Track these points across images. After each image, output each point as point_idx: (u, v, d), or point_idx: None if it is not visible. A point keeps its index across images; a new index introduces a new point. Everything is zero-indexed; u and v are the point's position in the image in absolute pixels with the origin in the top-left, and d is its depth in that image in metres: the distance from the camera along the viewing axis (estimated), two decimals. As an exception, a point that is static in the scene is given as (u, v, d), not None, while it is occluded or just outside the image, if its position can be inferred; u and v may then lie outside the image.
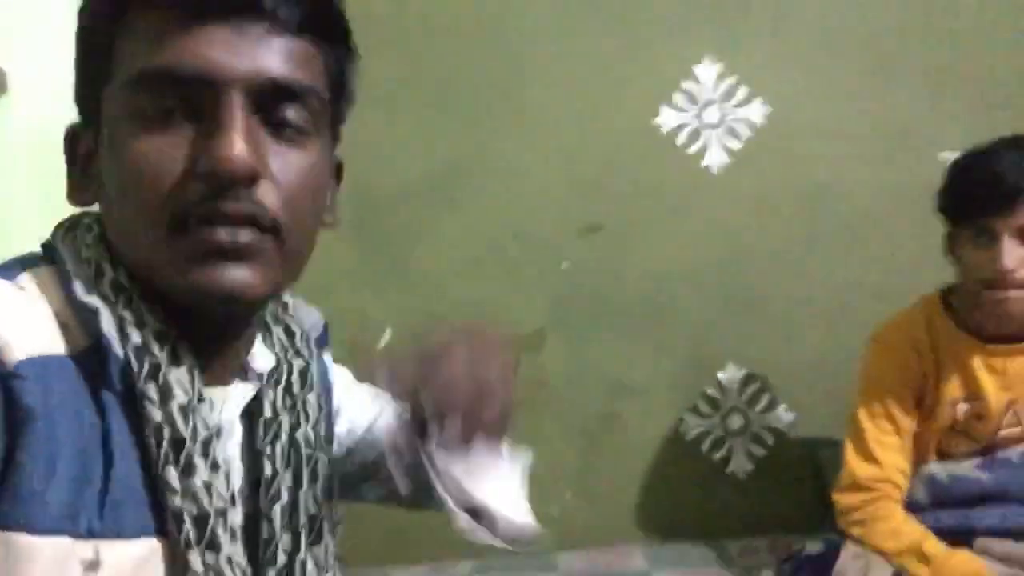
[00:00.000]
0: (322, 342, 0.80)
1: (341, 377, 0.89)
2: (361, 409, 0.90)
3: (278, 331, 0.74)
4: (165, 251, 0.58)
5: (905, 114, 2.02)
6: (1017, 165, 1.34)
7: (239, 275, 0.59)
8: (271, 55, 0.59)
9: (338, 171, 0.74)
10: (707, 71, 2.03)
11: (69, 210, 0.68)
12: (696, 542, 1.96)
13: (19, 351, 0.55)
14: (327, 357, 0.85)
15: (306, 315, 0.79)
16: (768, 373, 2.07)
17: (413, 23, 2.02)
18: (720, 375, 2.07)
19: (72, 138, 0.66)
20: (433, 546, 1.84)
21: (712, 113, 2.03)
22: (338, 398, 0.86)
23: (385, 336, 2.03)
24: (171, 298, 0.61)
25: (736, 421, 2.07)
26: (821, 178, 2.03)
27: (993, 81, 2.00)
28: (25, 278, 0.61)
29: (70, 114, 0.67)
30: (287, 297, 0.78)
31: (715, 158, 2.04)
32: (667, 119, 2.03)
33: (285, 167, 0.60)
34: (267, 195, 0.59)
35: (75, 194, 0.66)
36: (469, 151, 2.04)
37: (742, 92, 2.03)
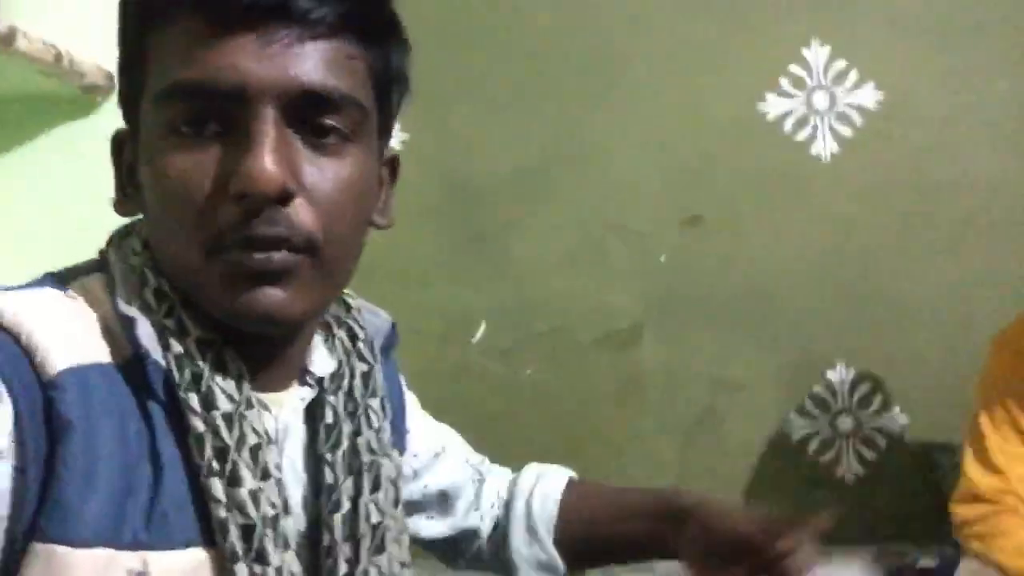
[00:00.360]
0: (389, 345, 0.77)
1: (411, 401, 0.87)
2: (427, 438, 0.89)
3: (340, 334, 0.73)
4: (202, 274, 0.58)
5: (1035, 99, 1.87)
6: None
7: (275, 296, 0.58)
8: (304, 62, 0.57)
9: (392, 167, 0.71)
10: (816, 54, 1.93)
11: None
12: (800, 548, 1.88)
13: (61, 361, 0.55)
14: (396, 365, 0.84)
15: (372, 318, 0.77)
16: (881, 373, 1.96)
17: (505, 10, 1.99)
18: (829, 374, 1.97)
19: (118, 145, 0.66)
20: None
21: (821, 98, 1.93)
22: (409, 418, 0.85)
23: (480, 330, 2.01)
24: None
25: (846, 423, 1.97)
26: (940, 169, 1.90)
27: None
28: (76, 287, 0.62)
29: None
30: (352, 299, 0.76)
31: (825, 146, 1.94)
32: (773, 105, 1.94)
33: (322, 180, 0.58)
34: (301, 212, 0.57)
35: (120, 204, 0.66)
36: (563, 140, 2.00)
37: (853, 76, 1.92)
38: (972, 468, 1.42)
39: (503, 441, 2.00)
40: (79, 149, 1.44)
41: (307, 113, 0.58)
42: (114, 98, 1.49)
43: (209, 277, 0.58)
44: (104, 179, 1.44)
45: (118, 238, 0.66)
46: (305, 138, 0.58)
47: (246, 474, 0.58)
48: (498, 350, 2.02)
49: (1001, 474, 1.39)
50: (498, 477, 0.94)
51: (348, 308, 0.75)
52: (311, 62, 0.57)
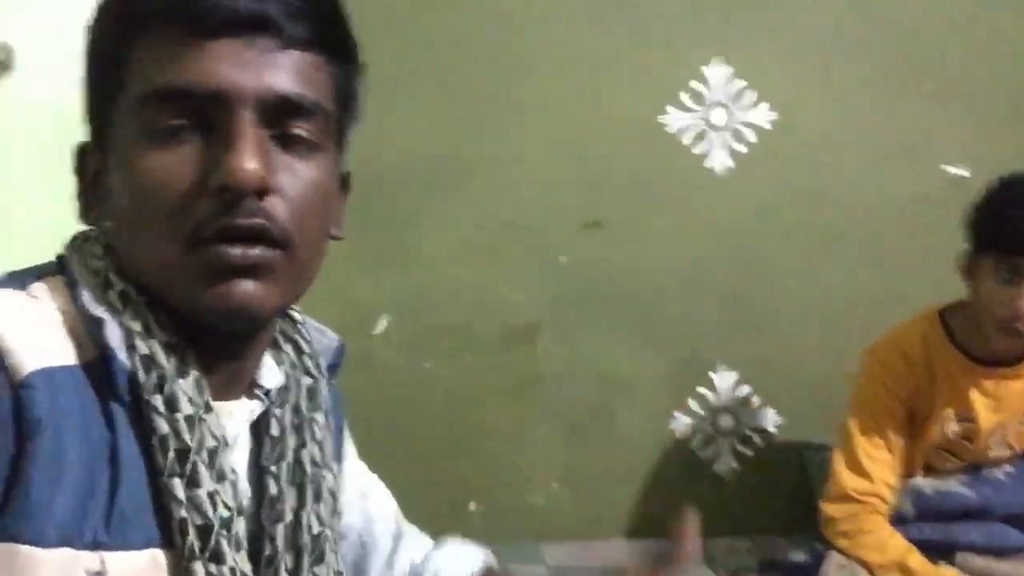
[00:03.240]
0: (334, 364, 0.79)
1: (348, 439, 0.87)
2: (356, 476, 0.88)
3: (287, 348, 0.74)
4: (178, 268, 0.59)
5: (912, 126, 2.03)
6: None
7: (250, 290, 0.60)
8: (280, 71, 0.60)
9: (345, 182, 0.73)
10: (715, 72, 2.02)
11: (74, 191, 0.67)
12: (680, 539, 1.98)
13: (30, 362, 0.56)
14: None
15: (319, 336, 0.78)
16: (759, 375, 2.09)
17: (418, 6, 2.00)
18: (712, 375, 2.09)
19: (81, 156, 0.66)
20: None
21: (719, 115, 2.03)
22: (346, 443, 0.86)
23: (381, 323, 2.03)
24: (181, 312, 0.61)
25: (726, 421, 2.09)
26: (823, 186, 2.04)
27: (1001, 96, 2.01)
28: (38, 287, 0.62)
29: (79, 93, 0.66)
30: (298, 315, 0.77)
31: (719, 160, 2.04)
32: (673, 118, 2.03)
33: (294, 180, 0.61)
34: (276, 208, 0.60)
35: (86, 214, 0.66)
36: (471, 139, 2.03)
37: (749, 96, 2.03)
38: (841, 470, 1.53)
39: (401, 432, 2.04)
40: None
41: (280, 118, 0.60)
42: (13, 75, 1.43)
43: (186, 271, 0.59)
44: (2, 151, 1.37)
45: (76, 243, 0.66)
46: (278, 141, 0.61)
47: (205, 476, 0.59)
48: (398, 343, 2.04)
49: (867, 477, 1.50)
50: (415, 540, 0.90)
51: (294, 322, 0.77)
52: (286, 71, 0.60)
